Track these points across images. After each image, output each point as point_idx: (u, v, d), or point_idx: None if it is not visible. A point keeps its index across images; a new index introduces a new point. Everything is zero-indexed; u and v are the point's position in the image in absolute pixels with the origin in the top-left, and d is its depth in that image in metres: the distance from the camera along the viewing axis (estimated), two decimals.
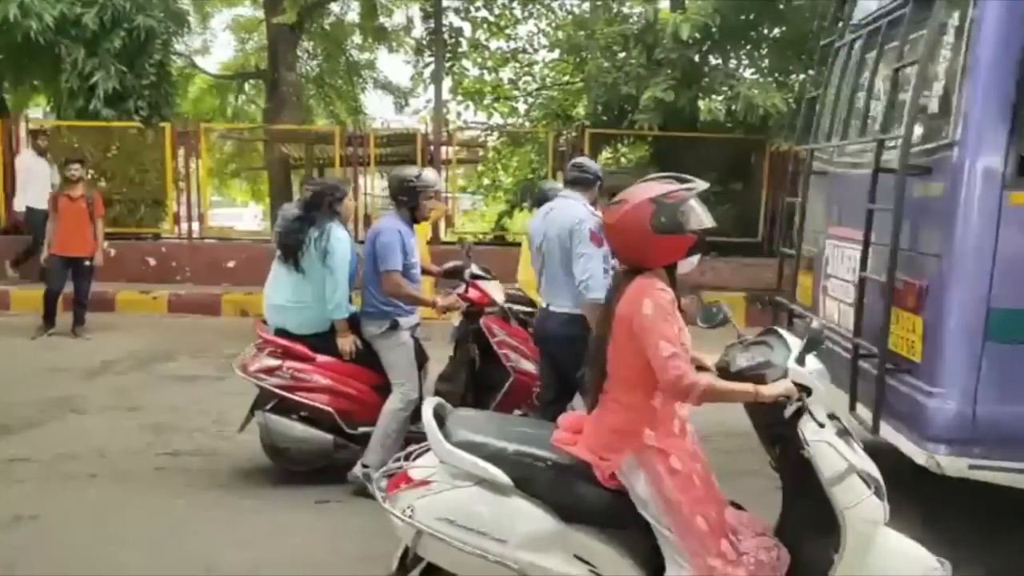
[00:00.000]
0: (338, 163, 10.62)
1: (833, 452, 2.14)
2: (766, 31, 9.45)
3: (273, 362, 3.91)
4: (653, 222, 2.11)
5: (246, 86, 18.05)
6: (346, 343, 3.96)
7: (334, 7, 14.50)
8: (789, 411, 2.12)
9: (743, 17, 9.13)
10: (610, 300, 2.22)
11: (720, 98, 9.18)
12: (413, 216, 4.01)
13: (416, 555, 2.21)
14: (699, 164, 10.75)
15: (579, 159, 4.08)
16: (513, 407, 4.19)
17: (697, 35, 8.77)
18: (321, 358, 3.96)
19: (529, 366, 4.13)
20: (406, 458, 2.34)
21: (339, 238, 3.94)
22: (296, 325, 4.00)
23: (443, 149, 11.15)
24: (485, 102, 14.07)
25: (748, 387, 2.13)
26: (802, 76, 9.39)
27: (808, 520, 2.24)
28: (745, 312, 8.79)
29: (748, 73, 9.81)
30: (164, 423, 4.92)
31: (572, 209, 3.59)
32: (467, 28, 13.39)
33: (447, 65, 12.94)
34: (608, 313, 2.20)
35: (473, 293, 4.17)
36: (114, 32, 9.56)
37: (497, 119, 13.80)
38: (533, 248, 3.83)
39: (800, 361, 2.17)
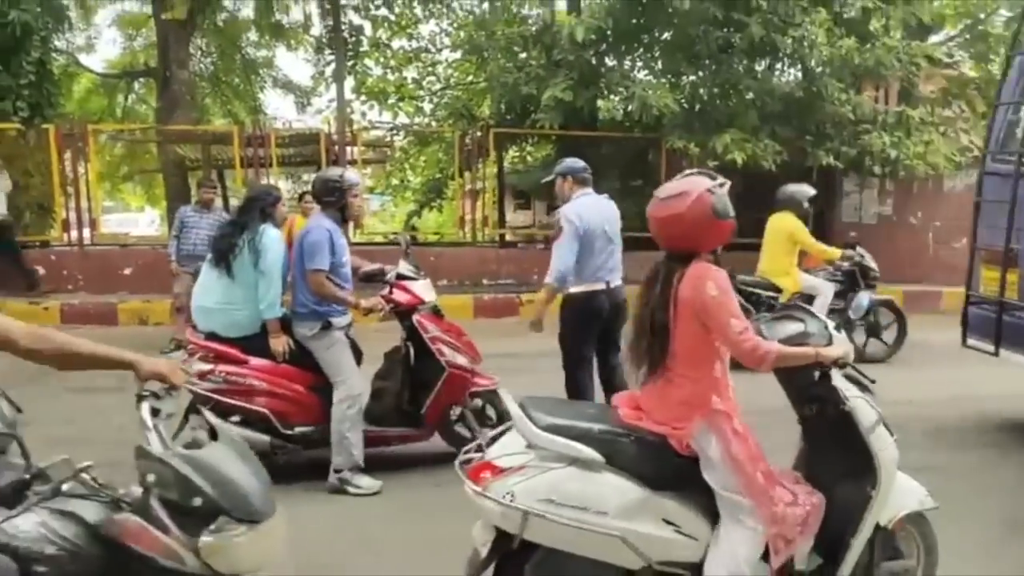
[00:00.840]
0: (238, 164, 10.35)
1: (867, 406, 2.51)
2: (657, 34, 9.87)
3: (205, 366, 3.89)
4: (715, 210, 2.36)
5: (136, 85, 17.22)
6: (278, 344, 3.96)
7: (227, 3, 14.07)
8: (837, 375, 2.48)
9: (635, 21, 9.51)
10: (663, 286, 2.41)
11: (617, 98, 9.56)
12: (343, 216, 4.07)
13: (499, 544, 2.33)
14: (601, 162, 11.12)
15: (581, 163, 4.54)
16: (449, 402, 4.23)
17: (593, 37, 9.10)
18: (254, 360, 3.95)
19: (463, 360, 4.18)
20: (477, 449, 2.48)
21: (272, 239, 4.01)
22: (226, 327, 3.99)
23: (348, 149, 11.07)
24: (390, 102, 14.03)
25: (809, 351, 2.43)
26: (692, 77, 9.88)
27: (842, 465, 2.58)
28: None
29: (642, 74, 10.23)
30: (64, 436, 4.75)
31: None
32: (368, 27, 13.32)
33: (349, 64, 12.83)
34: (664, 298, 2.38)
35: (399, 295, 4.17)
36: None
37: (403, 119, 13.81)
38: (601, 233, 4.28)
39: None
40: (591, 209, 4.33)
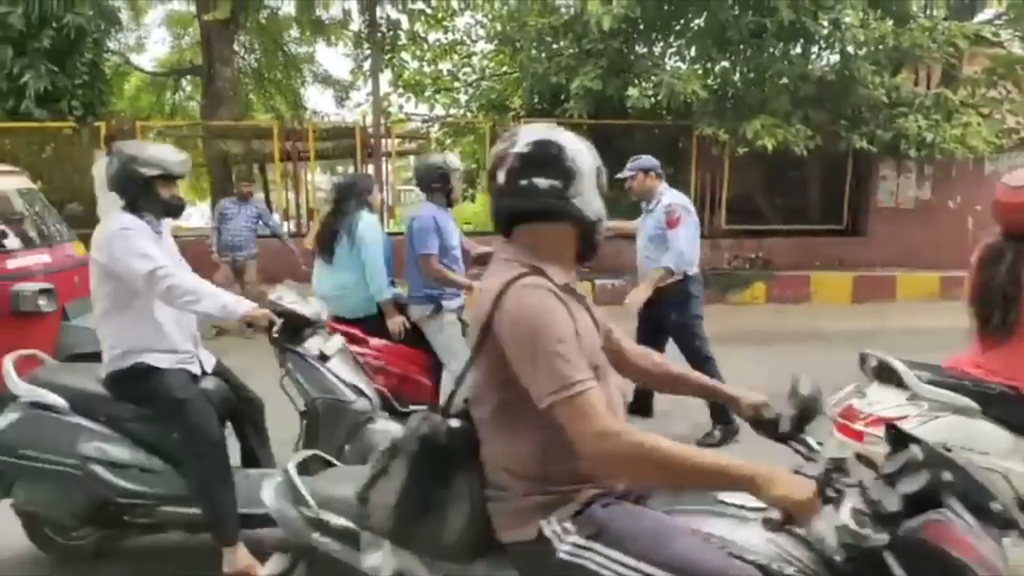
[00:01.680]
0: (277, 158, 10.70)
1: None
2: (687, 20, 9.83)
3: None
4: None
5: (183, 82, 17.82)
6: (395, 324, 4.13)
7: (269, 1, 14.44)
8: None
9: (665, 7, 9.49)
10: (1011, 264, 2.74)
11: (647, 86, 9.56)
12: (448, 200, 4.22)
13: None
14: (632, 150, 11.04)
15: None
16: None
17: (622, 25, 9.13)
18: (373, 340, 4.09)
19: None
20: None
21: (369, 226, 4.16)
22: (343, 311, 4.16)
23: (384, 142, 11.32)
24: (426, 94, 14.24)
25: None
26: (723, 63, 9.81)
27: None
28: None
29: (672, 62, 10.21)
30: None
31: None
32: (404, 20, 13.51)
33: (386, 58, 13.06)
34: (1013, 275, 2.72)
35: None
36: (42, 31, 9.48)
37: (439, 110, 14.00)
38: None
39: None
40: (687, 200, 4.62)
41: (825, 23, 8.96)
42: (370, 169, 11.36)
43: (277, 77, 17.04)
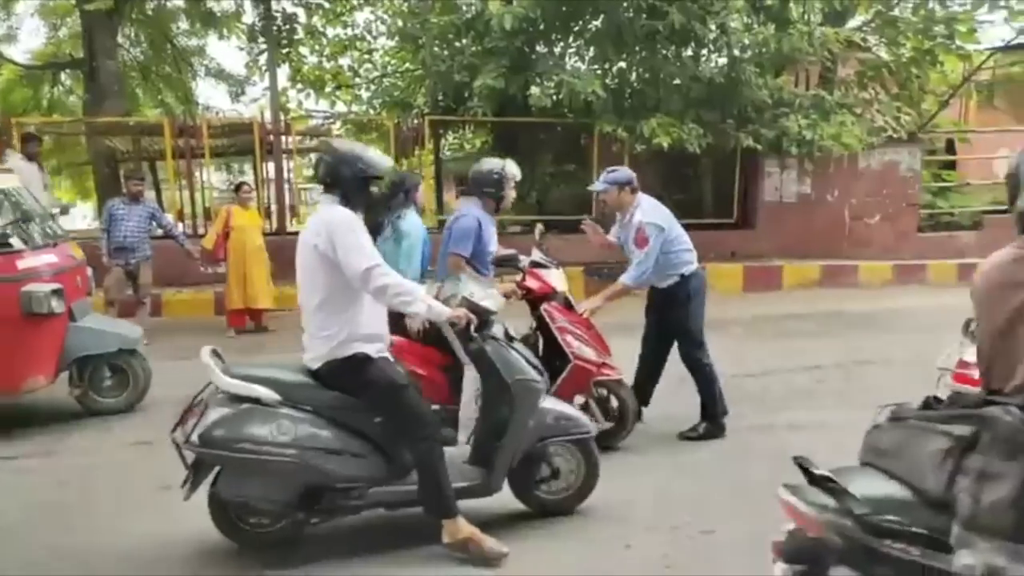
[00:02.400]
0: (170, 155, 10.26)
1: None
2: (584, 23, 10.13)
3: None
4: None
5: (62, 76, 16.72)
6: (414, 322, 4.08)
7: None
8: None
9: (564, 9, 9.74)
10: None
11: (549, 85, 9.79)
12: (497, 206, 4.25)
13: None
14: (535, 147, 11.42)
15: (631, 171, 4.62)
16: (572, 392, 4.20)
17: (523, 25, 9.31)
18: (391, 338, 4.07)
19: (589, 353, 4.18)
20: None
21: (413, 223, 4.24)
22: None
23: (283, 139, 11.05)
24: (326, 90, 13.97)
25: None
26: (620, 64, 10.18)
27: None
28: (583, 283, 9.51)
29: (573, 62, 10.49)
30: None
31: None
32: (301, 14, 13.21)
33: (283, 52, 12.74)
34: None
35: (532, 283, 4.25)
36: None
37: (340, 107, 13.77)
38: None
39: None
40: (663, 210, 4.55)
41: (713, 28, 9.47)
42: (269, 167, 11.07)
43: (165, 71, 16.26)
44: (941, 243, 11.72)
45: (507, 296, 4.26)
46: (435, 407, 4.10)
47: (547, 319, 4.22)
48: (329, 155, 3.11)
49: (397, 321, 4.12)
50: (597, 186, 4.59)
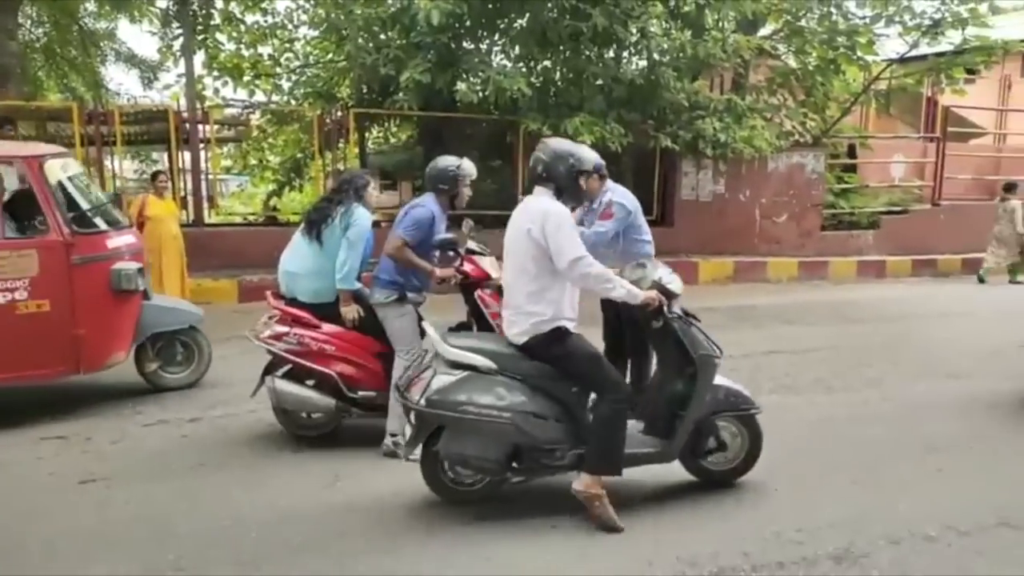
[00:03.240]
0: (79, 142, 9.80)
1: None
2: (510, 21, 10.27)
3: (282, 329, 4.21)
4: None
5: None
6: (349, 311, 4.23)
7: None
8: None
9: (490, 6, 9.84)
10: None
11: (475, 81, 9.88)
12: (452, 203, 4.27)
13: None
14: (461, 142, 11.47)
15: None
16: None
17: (450, 21, 9.36)
18: (326, 326, 4.24)
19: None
20: None
21: (362, 216, 4.29)
22: (307, 293, 4.29)
23: (200, 127, 10.72)
24: (245, 79, 13.58)
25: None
26: (545, 63, 10.37)
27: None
28: None
29: (499, 59, 10.61)
30: None
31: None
32: None
33: (199, 38, 12.34)
34: None
35: (468, 267, 4.41)
36: None
37: (260, 97, 13.42)
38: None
39: None
40: (632, 197, 4.70)
41: (634, 31, 9.78)
42: (186, 156, 10.73)
43: (72, 54, 15.44)
44: (842, 241, 12.49)
45: (443, 280, 4.40)
46: (371, 393, 4.25)
47: (481, 305, 4.39)
48: (545, 153, 3.44)
49: (333, 311, 4.25)
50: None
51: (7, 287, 4.57)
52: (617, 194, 4.68)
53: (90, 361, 4.91)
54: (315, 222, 4.32)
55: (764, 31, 12.70)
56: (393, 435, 4.15)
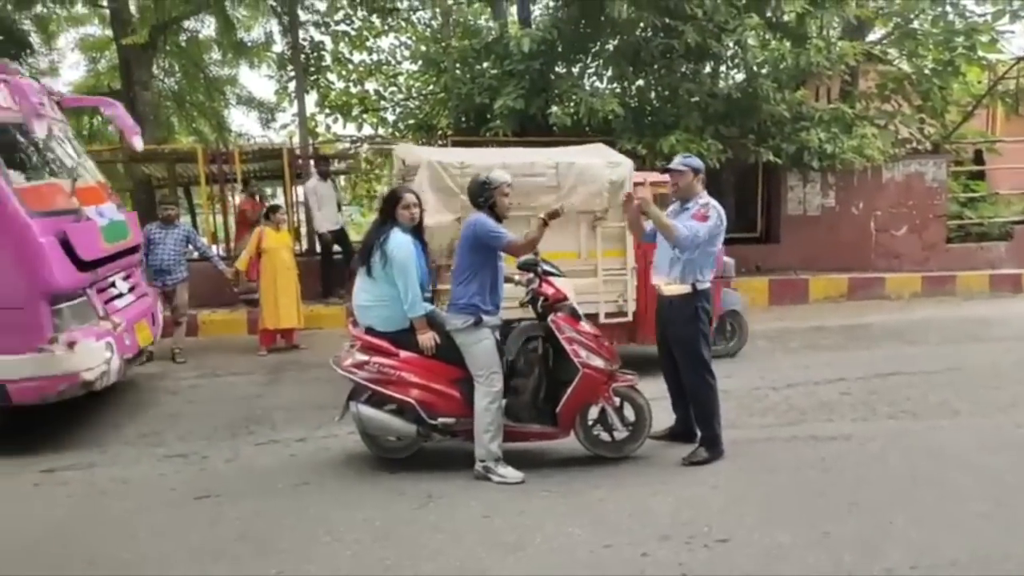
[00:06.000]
0: (203, 181, 10.60)
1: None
2: (602, 44, 10.29)
3: (363, 357, 4.28)
4: None
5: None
6: (425, 339, 4.24)
7: (188, 24, 14.28)
8: None
9: (581, 31, 9.91)
10: None
11: (568, 104, 9.95)
12: (494, 213, 4.27)
13: None
14: None
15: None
16: (583, 402, 4.35)
17: (541, 47, 9.50)
18: (404, 354, 4.28)
19: (599, 362, 4.28)
20: None
21: (397, 244, 4.23)
22: (379, 322, 4.32)
23: (311, 163, 11.34)
24: (353, 114, 14.28)
25: None
26: (639, 82, 10.29)
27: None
28: None
29: (590, 81, 10.63)
30: None
31: None
32: (328, 41, 13.60)
33: (311, 79, 13.10)
34: None
35: (548, 289, 4.38)
36: None
37: (368, 130, 14.07)
38: None
39: None
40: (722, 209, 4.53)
41: (730, 44, 9.56)
42: (299, 190, 11.36)
43: (199, 100, 16.78)
44: (971, 254, 11.58)
45: (523, 306, 4.41)
46: (451, 420, 4.27)
47: (555, 330, 4.30)
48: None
49: (412, 338, 4.28)
50: (675, 163, 4.54)
51: None
52: (714, 201, 4.53)
53: None
54: (363, 254, 4.37)
55: (872, 36, 12.09)
56: (482, 461, 4.19)
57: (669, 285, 4.49)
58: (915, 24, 11.24)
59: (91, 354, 4.88)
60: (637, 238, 5.32)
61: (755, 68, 9.77)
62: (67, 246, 4.89)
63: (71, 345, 4.76)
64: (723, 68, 10.56)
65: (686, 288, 4.43)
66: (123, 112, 6.24)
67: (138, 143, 6.39)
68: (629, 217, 4.83)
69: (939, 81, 10.88)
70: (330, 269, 9.81)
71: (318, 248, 10.19)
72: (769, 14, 9.88)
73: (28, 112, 4.99)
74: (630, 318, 6.29)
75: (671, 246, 4.40)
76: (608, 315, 6.19)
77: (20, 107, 5.04)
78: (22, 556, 3.50)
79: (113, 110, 6.16)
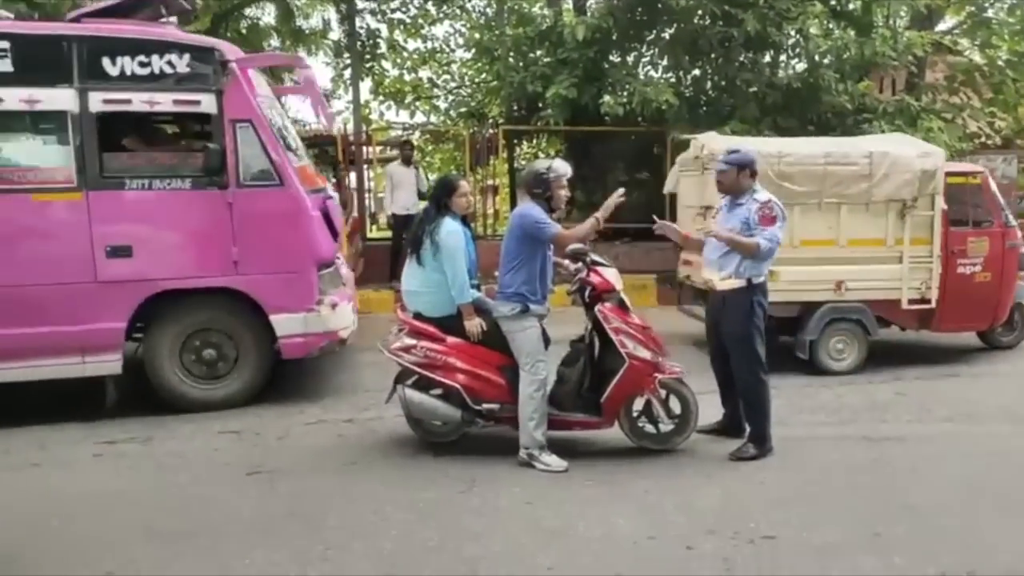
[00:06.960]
0: None
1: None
2: (658, 32, 10.14)
3: (410, 341, 4.36)
4: None
5: None
6: (472, 326, 4.27)
7: (249, 11, 14.57)
8: None
9: (636, 18, 9.78)
10: None
11: (621, 94, 9.85)
12: (549, 205, 4.23)
13: None
14: (608, 156, 11.46)
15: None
16: (628, 393, 4.33)
17: (596, 35, 9.41)
18: (451, 339, 4.32)
19: (645, 353, 4.25)
20: None
21: (448, 232, 4.27)
22: (427, 308, 4.39)
23: (364, 149, 11.49)
24: (406, 101, 14.43)
25: None
26: (695, 72, 10.12)
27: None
28: (656, 292, 9.52)
29: (644, 71, 10.50)
30: None
31: None
32: (384, 29, 13.75)
33: (366, 66, 13.26)
34: None
35: (595, 279, 4.33)
36: None
37: (420, 117, 14.21)
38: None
39: None
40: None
41: (792, 33, 9.31)
42: (352, 176, 11.53)
43: None
44: None
45: (570, 295, 4.41)
46: (495, 406, 4.29)
47: (602, 320, 4.27)
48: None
49: (459, 324, 4.30)
50: (717, 165, 4.46)
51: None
52: (772, 196, 4.41)
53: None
54: (413, 241, 4.39)
55: (942, 25, 11.64)
56: (526, 448, 4.20)
57: (724, 280, 4.39)
58: (990, 13, 10.77)
59: (346, 315, 5.67)
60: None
61: (817, 58, 9.50)
62: (328, 220, 5.59)
63: (334, 307, 5.48)
64: (783, 58, 10.30)
65: (741, 283, 4.33)
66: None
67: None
68: (669, 235, 4.63)
69: (1013, 73, 10.42)
70: (398, 252, 9.91)
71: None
72: (833, 2, 9.58)
73: (315, 102, 5.77)
74: (932, 305, 6.32)
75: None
76: (911, 301, 6.29)
77: (310, 96, 5.81)
78: (84, 522, 3.66)
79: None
